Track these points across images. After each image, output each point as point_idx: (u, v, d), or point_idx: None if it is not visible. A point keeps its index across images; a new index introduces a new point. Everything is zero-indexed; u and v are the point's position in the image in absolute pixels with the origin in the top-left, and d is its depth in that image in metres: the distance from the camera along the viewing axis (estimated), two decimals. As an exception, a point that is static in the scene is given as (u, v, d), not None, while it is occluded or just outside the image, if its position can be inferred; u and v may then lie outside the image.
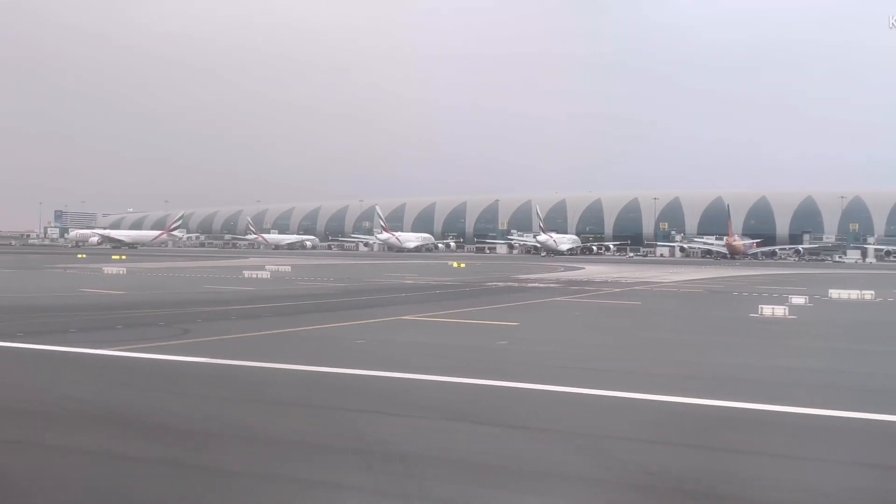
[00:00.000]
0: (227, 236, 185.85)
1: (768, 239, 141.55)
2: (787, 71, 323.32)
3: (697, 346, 19.92)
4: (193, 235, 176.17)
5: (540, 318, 26.63)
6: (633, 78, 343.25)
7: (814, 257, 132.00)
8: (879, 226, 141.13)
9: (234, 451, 8.82)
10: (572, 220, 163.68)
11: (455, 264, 79.63)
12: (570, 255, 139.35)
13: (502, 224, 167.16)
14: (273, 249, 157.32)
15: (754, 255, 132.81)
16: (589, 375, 14.41)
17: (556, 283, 49.84)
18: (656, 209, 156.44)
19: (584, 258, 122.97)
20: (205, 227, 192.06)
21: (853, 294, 38.16)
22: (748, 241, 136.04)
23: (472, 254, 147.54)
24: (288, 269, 63.20)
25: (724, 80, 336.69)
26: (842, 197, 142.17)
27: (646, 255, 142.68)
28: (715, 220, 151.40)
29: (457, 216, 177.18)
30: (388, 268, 72.68)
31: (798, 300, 33.32)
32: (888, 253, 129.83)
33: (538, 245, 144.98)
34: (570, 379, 13.56)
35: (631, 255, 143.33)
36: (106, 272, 55.06)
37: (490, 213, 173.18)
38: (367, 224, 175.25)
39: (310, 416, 10.66)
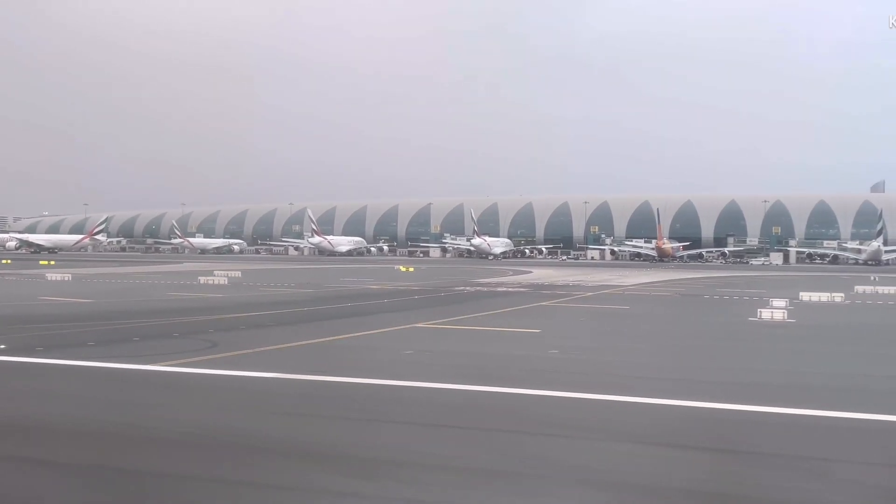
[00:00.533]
0: (150, 240, 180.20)
1: (694, 242, 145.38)
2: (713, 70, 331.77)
3: (740, 353, 19.73)
4: (114, 240, 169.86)
5: (554, 324, 26.14)
6: (566, 77, 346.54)
7: (737, 260, 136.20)
8: (800, 229, 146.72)
9: (440, 483, 8.08)
10: (504, 223, 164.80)
11: (403, 268, 78.95)
12: (504, 258, 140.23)
13: (435, 227, 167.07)
14: (199, 254, 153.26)
15: (681, 258, 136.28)
16: (693, 388, 14.01)
17: (522, 287, 49.68)
18: (586, 213, 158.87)
19: (523, 261, 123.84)
20: (125, 231, 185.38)
21: (823, 296, 39.07)
22: (676, 245, 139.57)
23: (407, 257, 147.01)
24: (238, 274, 61.29)
25: (659, 79, 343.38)
26: (764, 201, 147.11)
27: (577, 258, 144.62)
28: (642, 223, 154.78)
29: (389, 219, 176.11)
30: (337, 272, 71.41)
31: (779, 303, 33.91)
32: (810, 255, 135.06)
33: (472, 248, 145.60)
34: (677, 392, 13.18)
35: (564, 258, 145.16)
36: (50, 279, 52.32)
37: (423, 217, 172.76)
38: (296, 228, 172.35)
39: (473, 439, 9.92)
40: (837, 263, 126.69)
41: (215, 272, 60.88)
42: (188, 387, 13.66)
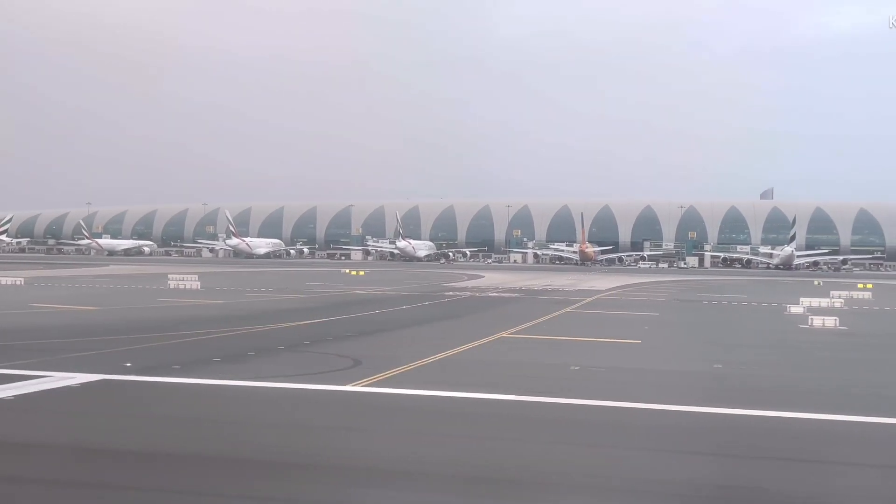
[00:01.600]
0: (51, 241, 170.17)
1: (612, 246, 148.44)
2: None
3: (874, 363, 19.75)
4: (14, 240, 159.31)
5: (636, 334, 25.21)
6: (485, 83, 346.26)
7: (652, 263, 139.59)
8: (712, 234, 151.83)
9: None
10: (426, 226, 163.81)
11: (353, 272, 77.07)
12: (428, 261, 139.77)
13: (357, 230, 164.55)
14: (107, 255, 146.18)
15: (602, 262, 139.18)
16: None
17: (510, 292, 48.96)
18: (508, 216, 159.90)
19: (460, 265, 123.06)
20: (25, 231, 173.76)
21: (824, 302, 39.80)
22: (597, 249, 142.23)
23: (327, 260, 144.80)
24: (196, 278, 58.13)
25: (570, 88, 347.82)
26: (680, 206, 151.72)
27: (501, 262, 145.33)
28: (562, 227, 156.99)
29: (307, 221, 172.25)
30: (293, 276, 69.06)
31: (797, 309, 34.65)
32: (725, 260, 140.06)
33: (395, 251, 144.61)
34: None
35: (488, 261, 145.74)
36: (5, 283, 48.30)
37: (342, 219, 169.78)
38: (210, 229, 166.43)
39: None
40: (750, 267, 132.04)
41: (171, 276, 58.05)
42: (453, 413, 12.34)
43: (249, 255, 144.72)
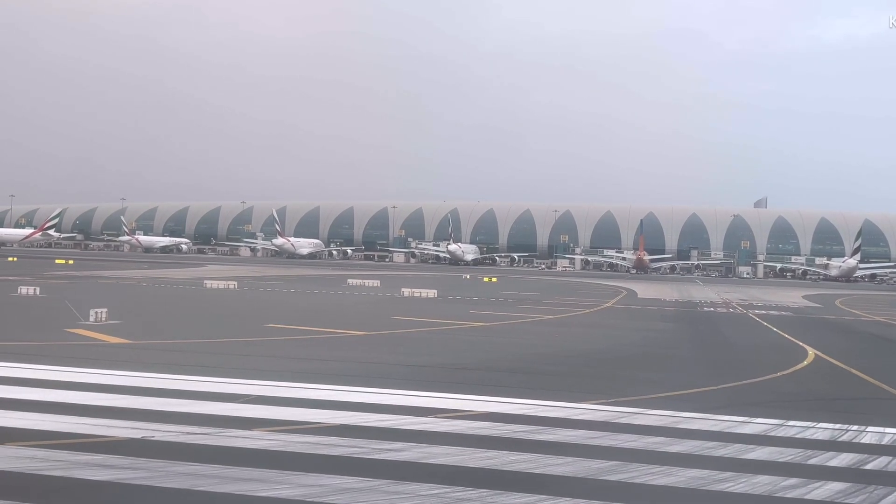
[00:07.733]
0: (79, 236, 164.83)
1: (658, 254, 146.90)
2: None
3: None
4: (60, 235, 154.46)
5: None
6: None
7: (703, 273, 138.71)
8: (761, 244, 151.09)
9: None
10: (466, 229, 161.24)
11: (486, 279, 74.50)
12: (475, 265, 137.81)
13: (400, 231, 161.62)
14: (143, 252, 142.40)
15: (656, 270, 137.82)
16: None
17: (770, 309, 46.66)
18: (552, 221, 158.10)
19: (559, 274, 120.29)
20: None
21: None
22: (651, 257, 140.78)
23: (364, 262, 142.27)
24: (376, 282, 55.41)
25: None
26: (734, 215, 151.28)
27: (550, 267, 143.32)
28: (606, 233, 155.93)
29: (343, 221, 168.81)
30: (435, 280, 66.07)
31: None
32: (782, 270, 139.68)
33: (442, 254, 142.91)
34: None
35: (542, 266, 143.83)
36: (210, 287, 45.24)
37: (380, 220, 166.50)
38: (248, 227, 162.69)
39: None
40: (806, 279, 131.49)
41: (351, 280, 55.55)
42: None
43: (292, 255, 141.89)
